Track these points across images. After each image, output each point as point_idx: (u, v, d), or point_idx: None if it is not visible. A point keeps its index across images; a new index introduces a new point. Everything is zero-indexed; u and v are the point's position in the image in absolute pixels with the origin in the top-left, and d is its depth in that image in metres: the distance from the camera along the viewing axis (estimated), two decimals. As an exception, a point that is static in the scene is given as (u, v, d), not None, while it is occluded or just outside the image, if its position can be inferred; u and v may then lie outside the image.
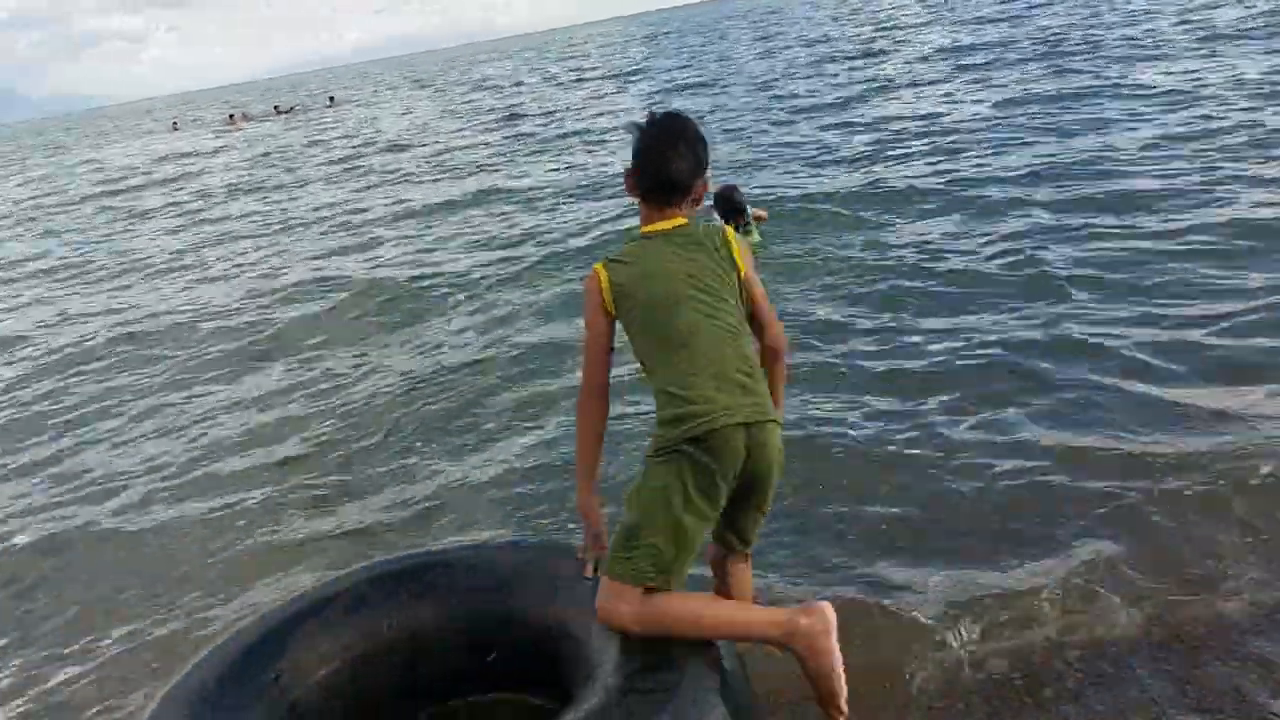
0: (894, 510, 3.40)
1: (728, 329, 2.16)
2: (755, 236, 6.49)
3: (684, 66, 28.11)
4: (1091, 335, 4.60)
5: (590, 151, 14.41)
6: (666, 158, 2.23)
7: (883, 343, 4.99)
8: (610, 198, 10.30)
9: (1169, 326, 4.59)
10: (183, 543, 4.14)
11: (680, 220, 2.28)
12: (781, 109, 14.99)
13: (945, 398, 4.20)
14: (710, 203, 6.17)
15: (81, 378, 6.98)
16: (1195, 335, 4.42)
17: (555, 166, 13.45)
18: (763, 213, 7.03)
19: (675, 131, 2.27)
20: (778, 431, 2.15)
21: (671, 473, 2.06)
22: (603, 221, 9.21)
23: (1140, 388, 4.01)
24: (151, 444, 5.40)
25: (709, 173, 2.31)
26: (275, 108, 45.18)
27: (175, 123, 50.97)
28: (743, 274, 2.24)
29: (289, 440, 5.06)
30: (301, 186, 16.15)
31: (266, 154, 23.82)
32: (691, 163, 2.25)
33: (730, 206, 6.20)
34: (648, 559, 2.06)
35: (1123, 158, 7.94)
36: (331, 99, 45.72)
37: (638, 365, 2.26)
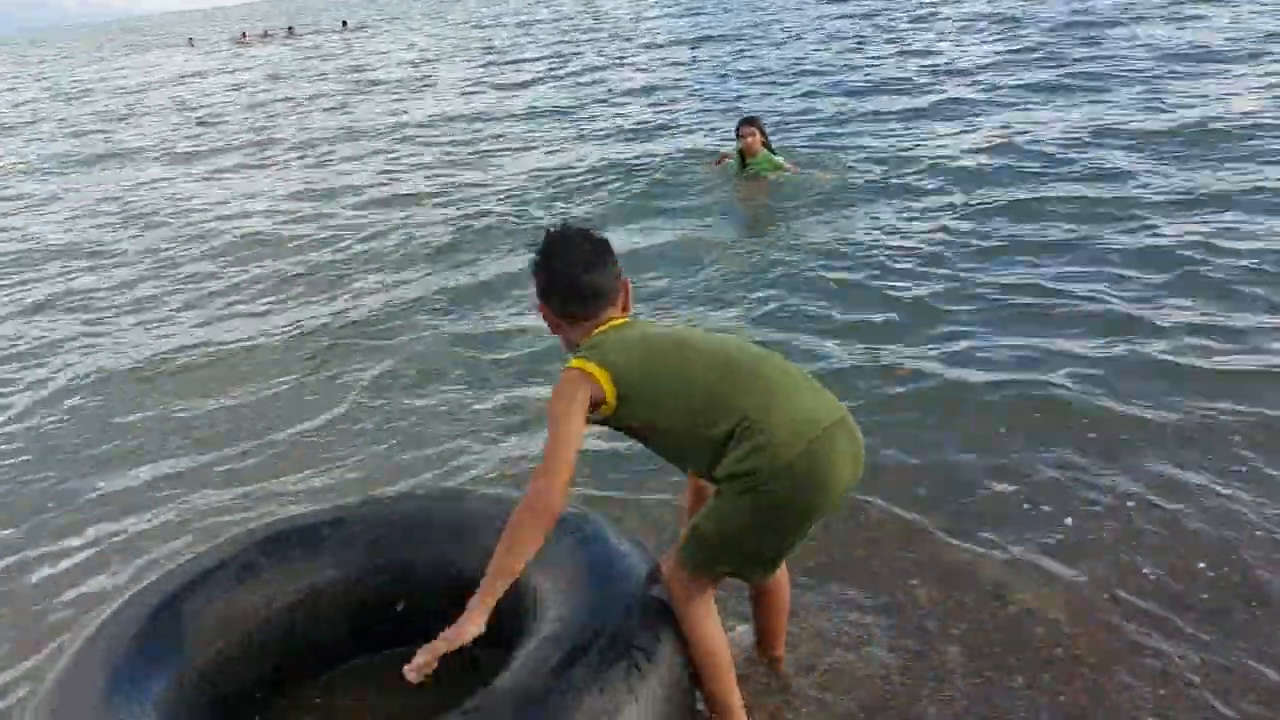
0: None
1: None
2: (779, 159, 7.26)
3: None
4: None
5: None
6: (580, 269, 2.19)
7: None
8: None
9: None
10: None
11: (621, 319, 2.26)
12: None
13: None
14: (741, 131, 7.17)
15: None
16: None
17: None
18: (792, 167, 7.36)
19: (576, 241, 2.23)
20: None
21: None
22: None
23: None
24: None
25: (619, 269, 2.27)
26: (290, 28, 44.36)
27: (191, 39, 50.23)
28: None
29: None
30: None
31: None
32: (609, 266, 2.23)
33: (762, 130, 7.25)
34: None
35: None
36: (344, 23, 44.81)
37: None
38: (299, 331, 5.63)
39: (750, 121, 7.32)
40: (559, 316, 2.23)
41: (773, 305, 5.16)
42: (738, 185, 7.38)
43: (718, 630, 2.18)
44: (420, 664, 1.91)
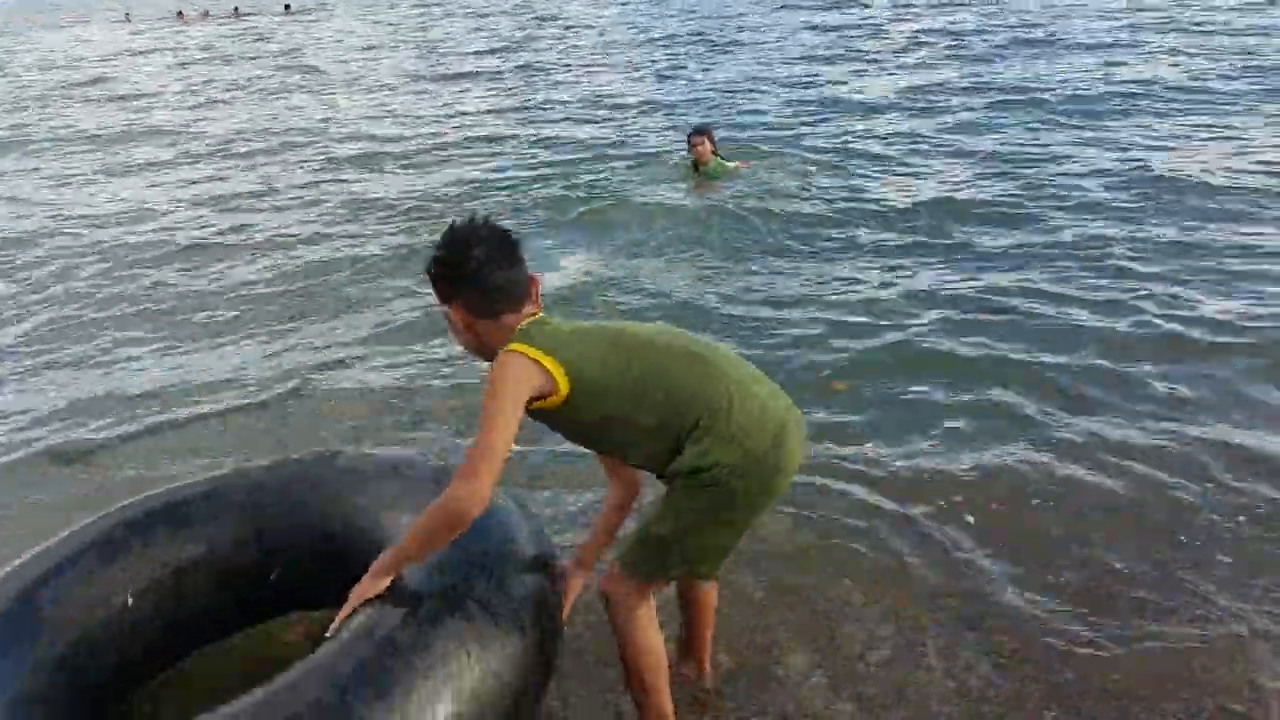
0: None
1: None
2: (730, 165, 7.38)
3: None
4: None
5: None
6: (494, 265, 2.04)
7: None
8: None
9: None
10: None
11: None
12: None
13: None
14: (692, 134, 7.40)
15: None
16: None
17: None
18: (741, 163, 7.60)
19: (496, 237, 2.06)
20: None
21: None
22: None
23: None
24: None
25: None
26: (235, 9, 42.52)
27: (128, 14, 48.21)
28: None
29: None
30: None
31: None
32: (520, 261, 2.09)
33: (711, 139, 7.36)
34: None
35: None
36: (287, 6, 42.92)
37: None
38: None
39: (700, 131, 7.46)
40: (477, 316, 2.05)
41: (711, 302, 5.22)
42: (691, 185, 7.41)
43: (659, 639, 2.18)
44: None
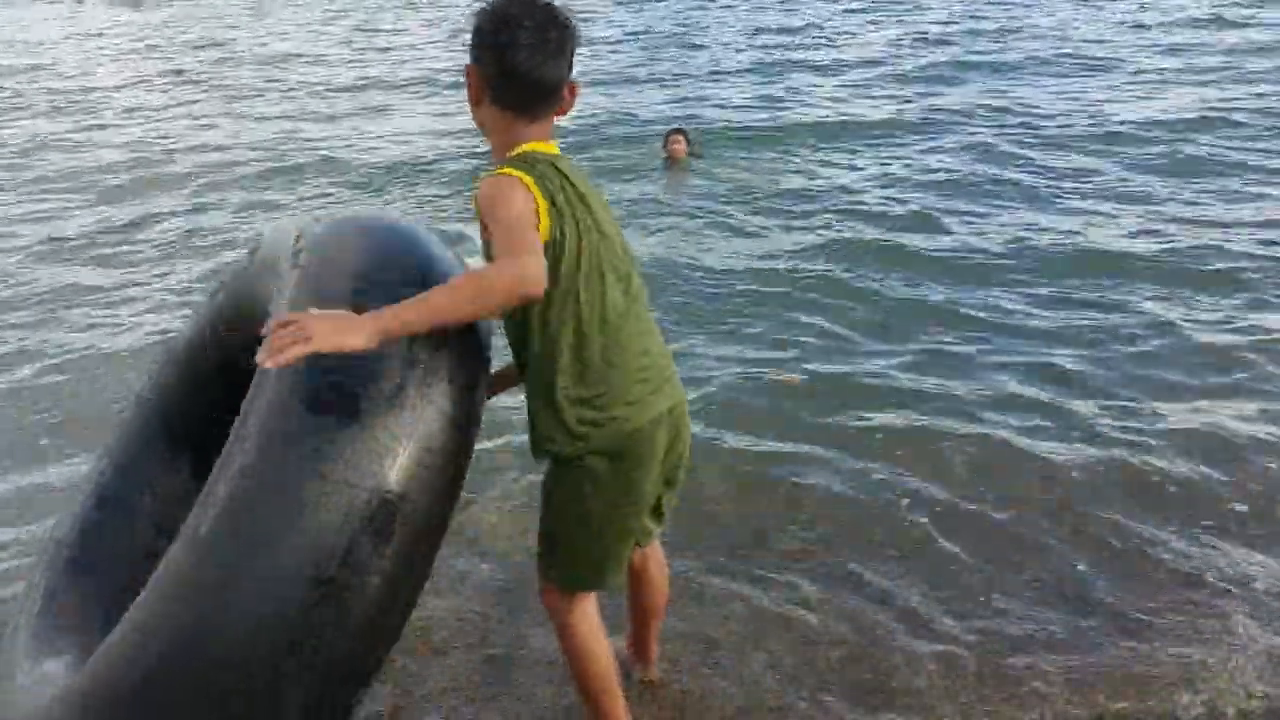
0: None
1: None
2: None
3: None
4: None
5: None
6: (535, 47, 1.72)
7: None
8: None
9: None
10: None
11: (552, 146, 1.82)
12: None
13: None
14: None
15: None
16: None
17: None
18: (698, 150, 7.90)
19: (543, 11, 1.74)
20: None
21: None
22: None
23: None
24: None
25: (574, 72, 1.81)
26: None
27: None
28: None
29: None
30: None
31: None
32: (567, 58, 1.77)
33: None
34: None
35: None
36: None
37: None
38: None
39: (678, 131, 7.75)
40: (502, 107, 1.77)
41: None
42: (663, 173, 7.59)
43: (604, 647, 2.03)
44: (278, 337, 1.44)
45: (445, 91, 11.63)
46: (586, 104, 10.47)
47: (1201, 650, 2.54)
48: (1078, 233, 5.73)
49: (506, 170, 1.70)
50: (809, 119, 9.07)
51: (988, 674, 2.51)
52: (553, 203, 1.69)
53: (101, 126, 11.03)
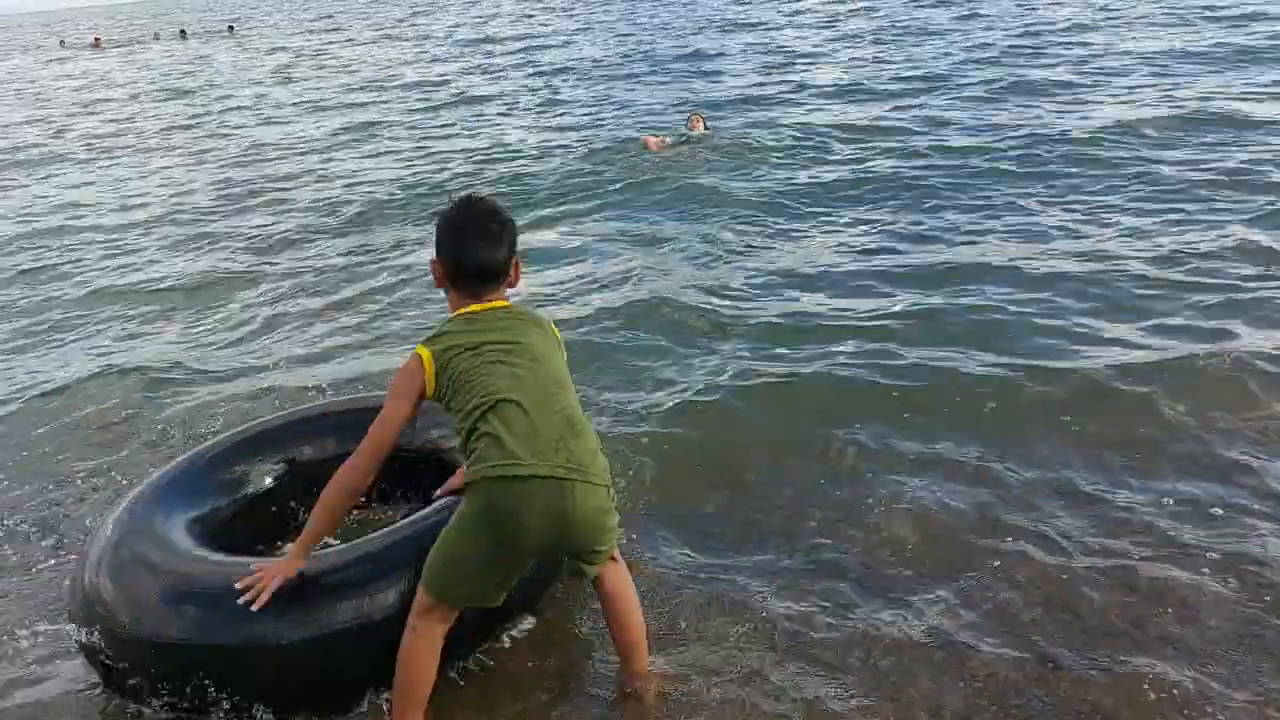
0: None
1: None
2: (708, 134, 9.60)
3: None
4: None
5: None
6: (477, 244, 2.25)
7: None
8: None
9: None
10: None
11: (502, 302, 2.32)
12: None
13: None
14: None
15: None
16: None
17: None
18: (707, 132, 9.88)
19: (484, 215, 2.29)
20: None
21: None
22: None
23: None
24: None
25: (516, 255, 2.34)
26: (182, 31, 41.35)
27: (62, 40, 47.21)
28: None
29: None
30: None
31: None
32: (506, 246, 2.28)
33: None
34: None
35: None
36: (182, 32, 40.95)
37: None
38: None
39: (697, 112, 10.22)
40: (457, 291, 2.29)
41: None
42: (671, 156, 9.02)
43: (426, 666, 2.21)
44: (253, 589, 2.23)
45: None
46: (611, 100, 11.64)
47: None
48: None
49: (418, 349, 2.24)
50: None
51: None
52: (445, 366, 2.19)
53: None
